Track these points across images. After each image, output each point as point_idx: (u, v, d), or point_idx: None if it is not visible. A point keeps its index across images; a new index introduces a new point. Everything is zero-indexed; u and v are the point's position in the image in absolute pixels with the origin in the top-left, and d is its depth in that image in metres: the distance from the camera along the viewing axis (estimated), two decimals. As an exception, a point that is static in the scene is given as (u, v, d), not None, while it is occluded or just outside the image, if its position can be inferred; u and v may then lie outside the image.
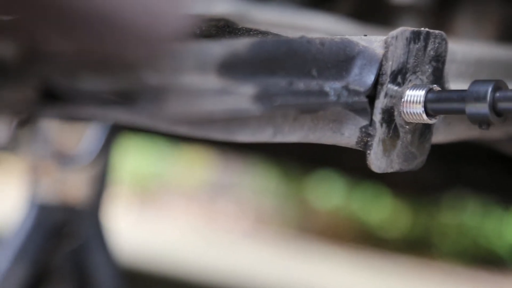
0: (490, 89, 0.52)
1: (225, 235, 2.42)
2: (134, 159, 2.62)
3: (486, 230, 2.22)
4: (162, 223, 2.45)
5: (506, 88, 0.53)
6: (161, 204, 2.62)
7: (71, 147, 0.96)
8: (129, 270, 1.94)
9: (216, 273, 2.00)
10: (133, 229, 2.30)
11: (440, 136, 0.60)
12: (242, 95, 0.46)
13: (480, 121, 0.53)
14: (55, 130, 0.95)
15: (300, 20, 0.78)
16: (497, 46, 0.76)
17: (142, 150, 2.57)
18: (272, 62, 0.49)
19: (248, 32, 0.56)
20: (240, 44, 0.48)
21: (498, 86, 0.52)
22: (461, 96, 0.54)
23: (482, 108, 0.52)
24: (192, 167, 2.66)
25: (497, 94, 0.52)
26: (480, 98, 0.52)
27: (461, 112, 0.54)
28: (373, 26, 0.84)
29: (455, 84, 0.60)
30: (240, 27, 0.57)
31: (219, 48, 0.46)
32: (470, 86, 0.53)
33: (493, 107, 0.52)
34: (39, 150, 0.95)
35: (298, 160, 1.53)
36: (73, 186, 0.96)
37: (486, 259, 2.20)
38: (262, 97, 0.47)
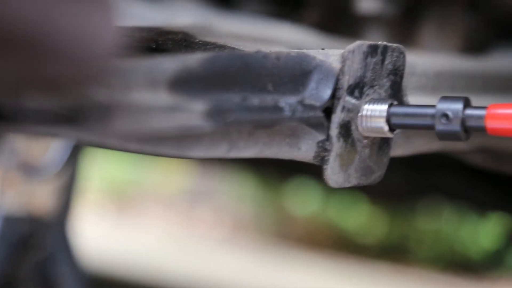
0: (461, 107, 0.52)
1: (203, 242, 2.42)
2: (111, 166, 2.61)
3: (462, 236, 2.23)
4: (139, 230, 2.44)
5: (471, 105, 0.53)
6: (138, 211, 2.61)
7: (37, 158, 0.95)
8: (105, 277, 1.93)
9: (194, 280, 1.99)
10: (110, 237, 2.29)
11: (399, 150, 0.60)
12: (193, 112, 0.45)
13: (449, 138, 0.53)
14: (21, 141, 0.94)
15: (265, 31, 0.77)
16: (460, 58, 0.76)
17: (119, 156, 2.56)
18: (226, 77, 0.49)
19: (205, 46, 0.56)
20: (193, 59, 0.47)
21: (467, 103, 0.53)
22: (430, 112, 0.54)
23: (453, 126, 0.52)
24: (170, 174, 2.65)
25: (466, 112, 0.52)
26: (451, 116, 0.52)
27: (429, 128, 0.54)
28: (339, 36, 0.84)
29: (416, 97, 0.60)
30: (197, 40, 0.57)
31: (171, 64, 0.46)
32: (439, 103, 0.53)
33: (464, 124, 0.52)
34: (5, 161, 0.94)
35: (276, 167, 1.52)
36: (39, 197, 0.95)
37: (461, 265, 2.21)
38: (214, 114, 0.47)
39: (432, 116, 0.52)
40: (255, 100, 0.49)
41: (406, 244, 2.31)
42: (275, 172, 1.79)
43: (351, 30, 0.87)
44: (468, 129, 0.52)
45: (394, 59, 0.56)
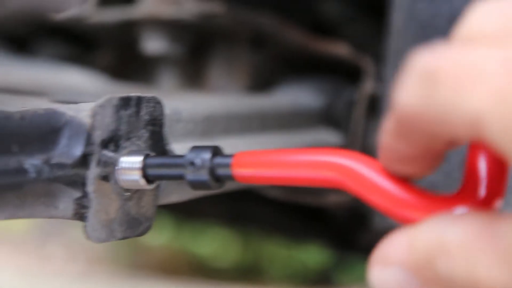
0: (208, 156, 0.53)
1: (57, 278, 2.36)
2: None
3: (311, 252, 2.28)
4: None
5: (222, 153, 0.54)
6: (-14, 253, 2.51)
7: None
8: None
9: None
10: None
11: (172, 197, 0.60)
12: None
13: (200, 187, 0.53)
14: None
15: (47, 79, 0.76)
16: (239, 97, 0.77)
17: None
18: (-39, 141, 0.47)
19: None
20: None
21: (216, 152, 0.53)
22: (180, 162, 0.54)
23: (202, 175, 0.53)
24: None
25: (215, 161, 0.53)
26: (199, 165, 0.53)
27: (181, 178, 0.54)
28: (130, 79, 0.83)
29: (184, 144, 0.60)
30: None
31: None
32: (188, 153, 0.54)
33: (212, 173, 0.53)
34: None
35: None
36: None
37: (314, 279, 2.26)
38: None
39: (183, 166, 0.53)
40: (-4, 164, 0.48)
41: (260, 264, 2.34)
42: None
43: (142, 72, 0.87)
44: (218, 178, 0.52)
45: (151, 109, 0.56)
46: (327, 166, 0.50)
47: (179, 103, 0.61)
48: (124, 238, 0.55)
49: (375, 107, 0.76)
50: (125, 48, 0.85)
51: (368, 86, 0.76)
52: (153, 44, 0.79)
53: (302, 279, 2.26)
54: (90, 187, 0.52)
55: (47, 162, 0.50)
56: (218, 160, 0.52)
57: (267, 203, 1.03)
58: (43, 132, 0.51)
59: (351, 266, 2.19)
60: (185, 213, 1.43)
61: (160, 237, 2.40)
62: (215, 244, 2.37)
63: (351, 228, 0.87)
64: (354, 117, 0.77)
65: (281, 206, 1.02)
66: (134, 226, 0.56)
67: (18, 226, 2.53)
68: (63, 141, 0.52)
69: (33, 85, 0.71)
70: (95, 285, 2.29)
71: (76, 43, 0.92)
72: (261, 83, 0.82)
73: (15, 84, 0.70)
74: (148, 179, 0.54)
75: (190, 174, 0.53)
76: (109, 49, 0.87)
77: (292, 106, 0.75)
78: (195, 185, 0.53)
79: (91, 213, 0.52)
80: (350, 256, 2.12)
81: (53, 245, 2.52)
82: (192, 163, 0.53)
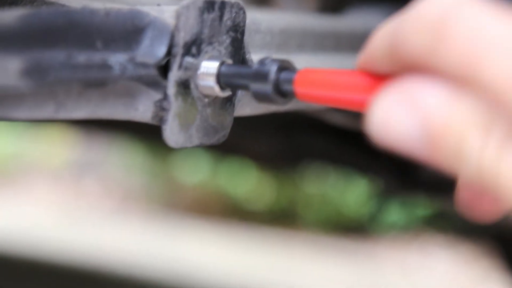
0: (274, 69, 0.50)
1: (92, 213, 2.38)
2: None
3: (348, 199, 2.27)
4: (25, 205, 2.37)
5: (292, 68, 0.51)
6: (23, 186, 2.54)
7: None
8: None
9: (85, 251, 1.96)
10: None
11: (246, 109, 0.59)
12: (8, 70, 0.43)
13: (264, 100, 0.51)
14: None
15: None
16: (312, 16, 0.75)
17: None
18: (49, 34, 0.46)
19: (32, 2, 0.53)
20: (9, 15, 0.45)
21: (284, 66, 0.51)
22: (247, 72, 0.52)
23: (266, 88, 0.50)
24: (55, 146, 2.59)
25: (280, 75, 0.50)
26: (263, 77, 0.50)
27: (247, 88, 0.52)
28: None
29: (261, 55, 0.59)
30: (25, -3, 0.54)
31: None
32: (256, 64, 0.52)
33: (276, 87, 0.50)
34: None
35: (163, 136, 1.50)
36: None
37: (348, 227, 2.26)
38: (31, 72, 0.44)
39: (250, 76, 0.51)
40: (81, 57, 0.47)
41: (294, 209, 2.35)
42: (163, 141, 1.77)
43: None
44: (282, 92, 0.50)
45: (233, 15, 0.54)
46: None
47: (257, 14, 0.60)
48: (200, 144, 0.55)
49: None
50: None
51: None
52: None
53: (336, 225, 2.26)
54: (171, 90, 0.51)
55: (131, 60, 0.49)
56: (283, 74, 0.50)
57: (321, 132, 1.02)
58: (127, 30, 0.50)
59: (386, 216, 2.18)
60: (224, 150, 1.41)
61: (196, 176, 2.41)
62: (250, 186, 2.37)
63: (412, 161, 0.85)
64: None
65: (336, 136, 1.01)
66: (210, 134, 0.55)
67: (56, 160, 2.55)
68: (146, 41, 0.50)
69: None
70: (129, 221, 2.32)
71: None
72: (331, 6, 0.80)
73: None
74: (222, 86, 0.53)
75: (254, 85, 0.51)
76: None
77: (364, 30, 0.73)
78: (260, 97, 0.51)
79: (170, 116, 0.51)
80: (388, 203, 2.11)
81: (89, 181, 2.54)
82: (259, 75, 0.51)
